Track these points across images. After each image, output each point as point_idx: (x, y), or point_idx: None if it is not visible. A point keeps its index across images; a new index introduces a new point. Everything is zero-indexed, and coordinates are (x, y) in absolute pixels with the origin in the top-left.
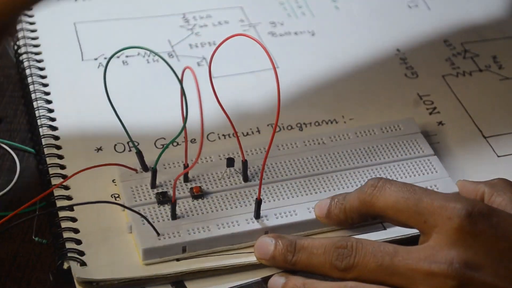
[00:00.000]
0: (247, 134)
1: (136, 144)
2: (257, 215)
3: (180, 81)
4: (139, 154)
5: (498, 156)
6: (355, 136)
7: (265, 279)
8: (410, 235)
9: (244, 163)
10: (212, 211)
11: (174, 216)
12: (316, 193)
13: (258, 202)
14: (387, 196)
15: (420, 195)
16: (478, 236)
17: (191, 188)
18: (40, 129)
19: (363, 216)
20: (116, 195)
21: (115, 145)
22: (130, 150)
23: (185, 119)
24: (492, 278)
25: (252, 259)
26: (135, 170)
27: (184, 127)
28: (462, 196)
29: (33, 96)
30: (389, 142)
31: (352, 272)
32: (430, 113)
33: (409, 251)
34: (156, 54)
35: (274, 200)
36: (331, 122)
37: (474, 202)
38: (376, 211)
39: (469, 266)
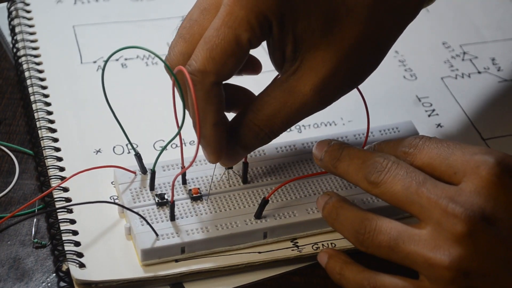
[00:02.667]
0: None
1: (135, 146)
2: (259, 215)
3: (174, 73)
4: (138, 156)
5: None
6: (354, 139)
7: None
8: None
9: (245, 164)
10: (211, 212)
11: (173, 217)
12: (314, 194)
13: (265, 202)
14: (424, 154)
15: (453, 149)
16: (503, 189)
17: (190, 190)
18: (39, 131)
19: None
20: (115, 197)
21: (114, 147)
22: (129, 152)
23: (182, 116)
24: (505, 233)
25: (250, 259)
26: (134, 172)
27: (179, 131)
28: (495, 149)
29: (32, 98)
30: None
31: (379, 187)
32: (429, 115)
33: (436, 185)
34: (150, 51)
35: (272, 202)
36: (330, 124)
37: (505, 155)
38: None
39: (485, 217)
